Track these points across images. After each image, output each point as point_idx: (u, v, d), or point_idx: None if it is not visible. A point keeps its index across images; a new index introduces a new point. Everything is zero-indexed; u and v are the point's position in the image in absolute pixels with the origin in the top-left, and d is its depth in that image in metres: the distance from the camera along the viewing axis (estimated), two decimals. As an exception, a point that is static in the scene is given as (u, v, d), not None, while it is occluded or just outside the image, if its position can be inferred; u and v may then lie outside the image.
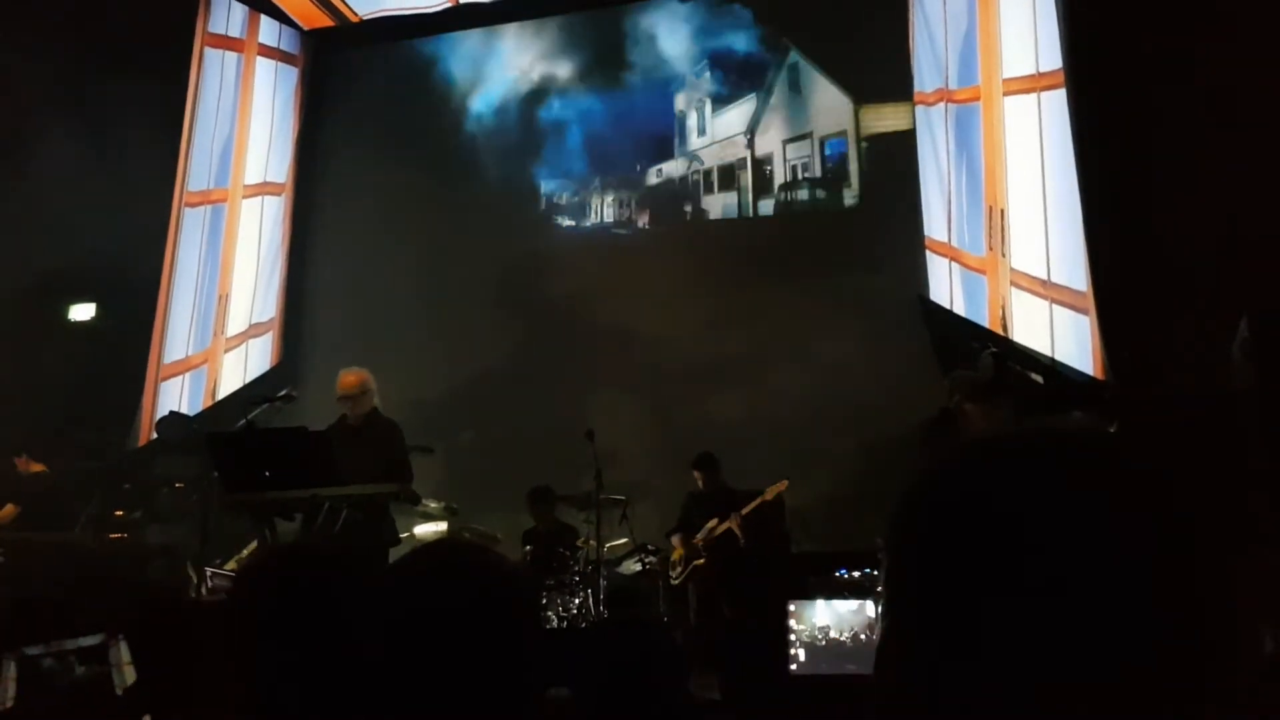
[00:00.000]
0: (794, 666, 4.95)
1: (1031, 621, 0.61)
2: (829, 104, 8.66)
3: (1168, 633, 0.60)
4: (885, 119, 8.40)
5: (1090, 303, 5.52)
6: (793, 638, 4.95)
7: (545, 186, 9.51)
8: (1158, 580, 0.61)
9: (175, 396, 8.33)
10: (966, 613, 0.63)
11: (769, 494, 6.34)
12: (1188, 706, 0.60)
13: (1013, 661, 0.61)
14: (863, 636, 4.91)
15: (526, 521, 6.88)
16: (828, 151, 8.66)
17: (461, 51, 9.88)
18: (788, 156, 8.81)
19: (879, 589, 4.86)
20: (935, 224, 7.68)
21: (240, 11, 9.17)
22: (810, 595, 5.12)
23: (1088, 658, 0.60)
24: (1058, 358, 5.93)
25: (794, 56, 8.84)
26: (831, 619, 4.98)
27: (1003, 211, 6.50)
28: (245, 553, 5.95)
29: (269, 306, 9.38)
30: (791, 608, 4.97)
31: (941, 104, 7.55)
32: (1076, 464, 0.66)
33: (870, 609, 5.01)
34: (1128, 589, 0.61)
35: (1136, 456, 0.67)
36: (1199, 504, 0.64)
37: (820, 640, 4.90)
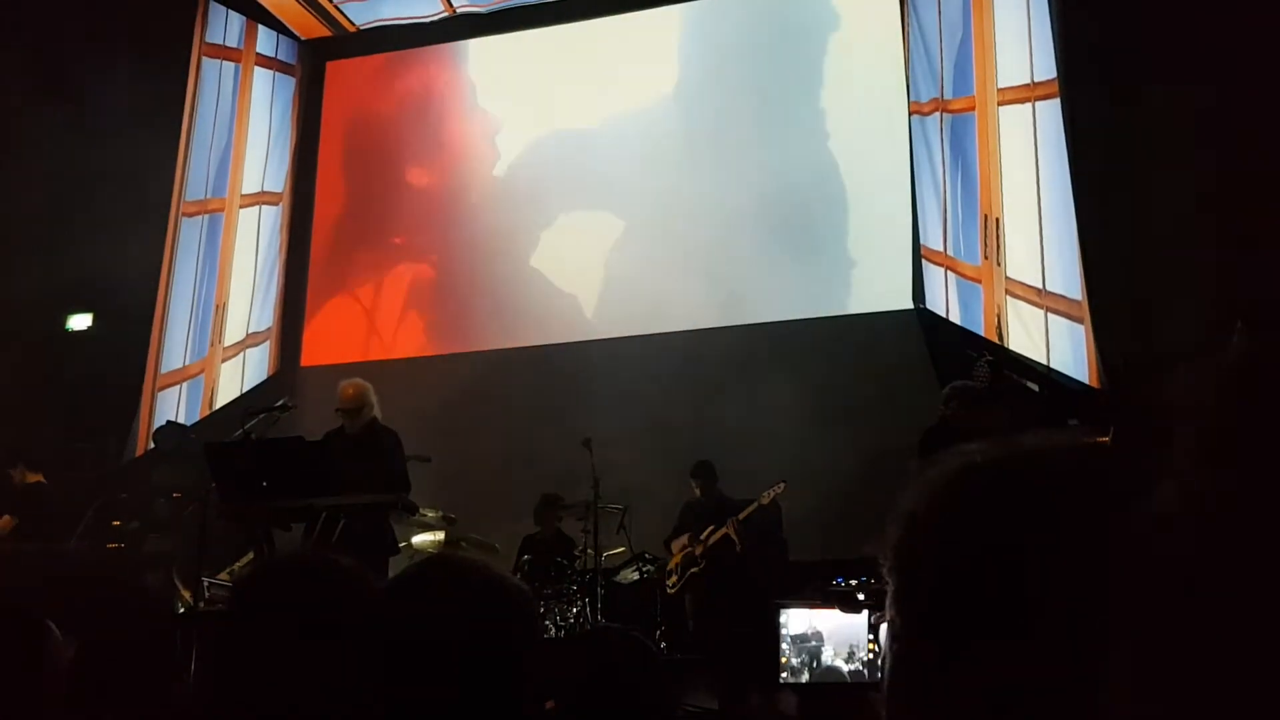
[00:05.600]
0: (784, 675, 4.84)
1: (1043, 647, 0.60)
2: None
3: None
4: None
5: (1085, 311, 5.54)
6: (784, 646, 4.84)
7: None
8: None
9: (172, 406, 8.31)
10: (978, 638, 0.63)
11: (765, 498, 6.36)
12: None
13: (1025, 688, 0.61)
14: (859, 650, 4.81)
15: (524, 530, 6.87)
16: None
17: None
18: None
19: (866, 599, 4.79)
20: (931, 233, 7.70)
21: (238, 21, 9.19)
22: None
23: (1099, 678, 0.59)
24: (1053, 366, 5.95)
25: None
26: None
27: (998, 220, 6.52)
28: (240, 563, 5.92)
29: (266, 316, 9.37)
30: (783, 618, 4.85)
31: (937, 114, 7.58)
32: (1078, 481, 0.66)
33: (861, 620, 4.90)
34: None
35: (1130, 466, 0.67)
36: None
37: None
